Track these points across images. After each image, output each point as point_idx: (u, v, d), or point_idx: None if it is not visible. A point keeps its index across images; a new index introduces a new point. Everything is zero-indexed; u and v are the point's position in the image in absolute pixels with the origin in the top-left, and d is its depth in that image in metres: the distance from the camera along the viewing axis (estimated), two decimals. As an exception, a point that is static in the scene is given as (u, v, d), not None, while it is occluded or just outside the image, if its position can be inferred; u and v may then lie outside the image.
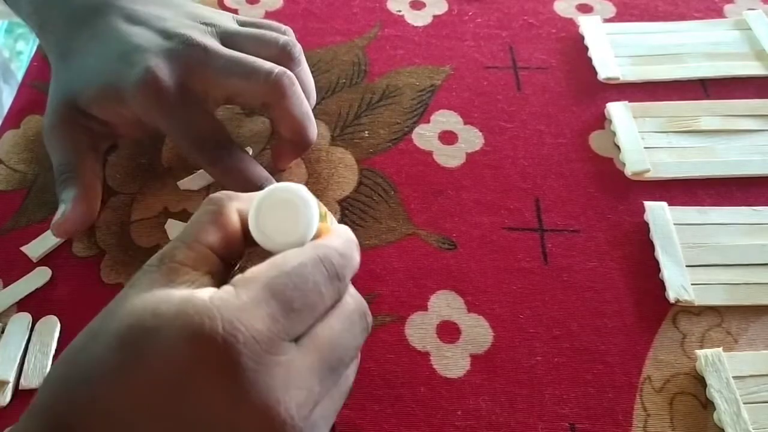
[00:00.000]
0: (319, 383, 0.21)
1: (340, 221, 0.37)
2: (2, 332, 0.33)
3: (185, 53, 0.34)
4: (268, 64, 0.35)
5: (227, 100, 0.37)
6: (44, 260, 0.36)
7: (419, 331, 0.33)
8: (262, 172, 0.36)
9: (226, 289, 0.22)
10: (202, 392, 0.20)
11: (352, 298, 0.25)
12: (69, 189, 0.35)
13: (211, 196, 0.25)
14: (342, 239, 0.25)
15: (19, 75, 0.48)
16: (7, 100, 0.62)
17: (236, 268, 0.26)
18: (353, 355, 0.24)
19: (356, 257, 0.25)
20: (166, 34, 0.35)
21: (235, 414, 0.20)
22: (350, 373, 0.25)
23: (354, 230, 0.27)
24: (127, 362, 0.20)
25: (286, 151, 0.38)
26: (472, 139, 0.41)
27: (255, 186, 0.34)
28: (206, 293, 0.21)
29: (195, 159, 0.36)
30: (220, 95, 0.36)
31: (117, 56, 0.35)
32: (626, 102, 0.42)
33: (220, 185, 0.39)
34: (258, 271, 0.22)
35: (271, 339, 0.20)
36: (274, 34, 0.37)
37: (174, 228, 0.37)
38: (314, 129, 0.37)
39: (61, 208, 0.35)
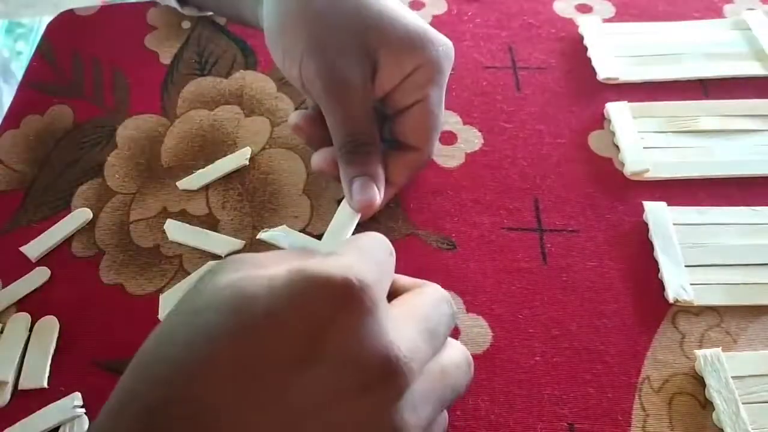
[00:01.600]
0: (424, 342, 0.23)
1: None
2: (1, 332, 0.34)
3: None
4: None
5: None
6: (43, 260, 0.36)
7: (418, 331, 0.33)
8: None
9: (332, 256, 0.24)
10: (336, 333, 0.21)
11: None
12: (371, 165, 0.34)
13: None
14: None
15: (19, 75, 0.48)
16: (7, 100, 0.62)
17: None
18: (443, 332, 0.26)
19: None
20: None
21: (362, 350, 0.21)
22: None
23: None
24: (245, 326, 0.21)
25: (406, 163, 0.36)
26: (471, 139, 0.41)
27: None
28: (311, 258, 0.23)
29: (424, 143, 0.35)
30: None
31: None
32: (625, 102, 0.42)
33: (219, 183, 0.39)
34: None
35: (385, 291, 0.23)
36: None
37: (173, 228, 0.37)
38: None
39: (366, 188, 0.33)
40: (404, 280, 0.28)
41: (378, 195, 0.33)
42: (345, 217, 0.34)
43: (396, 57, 0.34)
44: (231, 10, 0.44)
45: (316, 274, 0.21)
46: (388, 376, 0.21)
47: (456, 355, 0.26)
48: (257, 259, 0.23)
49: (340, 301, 0.21)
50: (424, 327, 0.24)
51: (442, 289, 0.27)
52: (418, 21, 0.35)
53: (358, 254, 0.23)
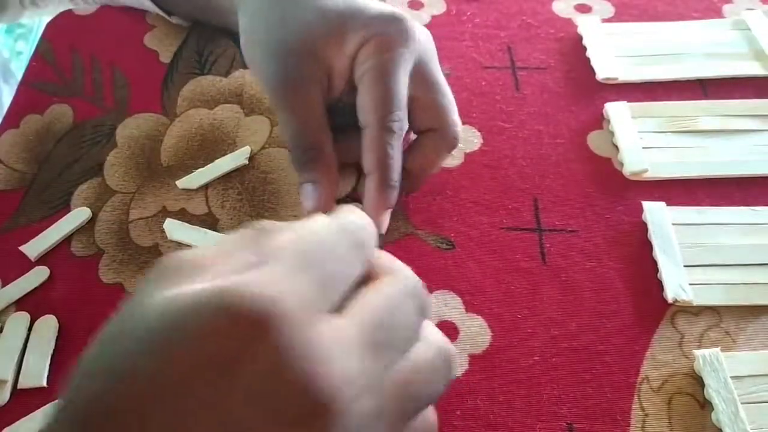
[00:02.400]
0: (368, 358, 0.20)
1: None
2: (1, 331, 0.34)
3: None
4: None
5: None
6: (43, 259, 0.36)
7: (417, 330, 0.33)
8: (398, 178, 0.33)
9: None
10: (253, 366, 0.19)
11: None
12: (318, 170, 0.33)
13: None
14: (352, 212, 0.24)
15: (19, 75, 0.48)
16: (7, 100, 0.62)
17: None
18: (404, 336, 0.22)
19: (374, 229, 0.24)
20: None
21: (279, 385, 0.19)
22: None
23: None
24: (164, 348, 0.19)
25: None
26: (470, 139, 0.41)
27: (392, 177, 0.32)
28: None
29: (375, 111, 0.32)
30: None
31: (361, 3, 0.34)
32: (625, 102, 0.42)
33: (219, 183, 0.39)
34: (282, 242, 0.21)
35: (311, 304, 0.20)
36: None
37: (173, 227, 0.37)
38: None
39: (312, 194, 0.33)
40: (378, 262, 0.24)
41: (322, 199, 0.33)
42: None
43: (338, 43, 0.34)
44: (218, 21, 0.45)
45: (229, 303, 0.19)
46: (314, 410, 0.19)
47: (428, 355, 0.23)
48: (198, 261, 0.21)
49: (253, 334, 0.19)
50: (370, 338, 0.21)
51: (408, 279, 0.24)
52: (370, 4, 0.34)
53: (294, 263, 0.20)
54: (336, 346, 0.19)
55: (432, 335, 0.24)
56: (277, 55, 0.34)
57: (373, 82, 0.33)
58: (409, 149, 0.35)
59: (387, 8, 0.34)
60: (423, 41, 0.35)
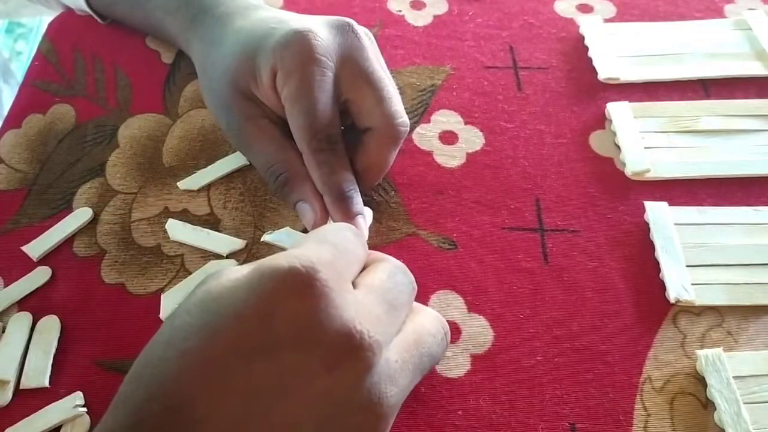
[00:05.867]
0: (385, 318, 0.25)
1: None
2: (3, 332, 0.34)
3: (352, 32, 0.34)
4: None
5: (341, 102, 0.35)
6: (45, 260, 0.36)
7: (420, 330, 0.33)
8: (351, 178, 0.34)
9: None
10: (288, 314, 0.22)
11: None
12: (296, 190, 0.34)
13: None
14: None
15: (19, 75, 0.48)
16: (7, 100, 0.62)
17: None
18: (406, 301, 0.27)
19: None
20: (327, 19, 0.35)
21: (321, 331, 0.22)
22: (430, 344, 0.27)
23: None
24: (208, 316, 0.23)
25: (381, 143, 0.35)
26: (472, 139, 0.41)
27: (340, 190, 0.33)
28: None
29: (302, 137, 0.33)
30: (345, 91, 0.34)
31: (268, 28, 0.35)
32: (626, 102, 0.42)
33: (221, 183, 0.39)
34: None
35: (341, 273, 0.24)
36: None
37: (175, 227, 0.37)
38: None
39: (307, 210, 0.34)
40: (370, 257, 0.29)
41: (315, 212, 0.33)
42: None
43: (256, 79, 0.35)
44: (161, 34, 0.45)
45: (265, 267, 0.23)
46: (353, 351, 0.22)
47: (429, 323, 0.27)
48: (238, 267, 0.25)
49: (288, 287, 0.22)
50: (383, 299, 0.25)
51: (397, 262, 0.28)
52: (278, 25, 0.35)
53: (314, 242, 0.25)
54: (362, 307, 0.24)
55: (427, 309, 0.29)
56: (219, 105, 0.37)
57: (290, 113, 0.33)
58: (354, 150, 0.35)
59: (291, 25, 0.34)
60: (346, 42, 0.34)
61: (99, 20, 0.48)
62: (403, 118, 0.35)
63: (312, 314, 0.22)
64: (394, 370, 0.24)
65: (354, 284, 0.26)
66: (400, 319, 0.26)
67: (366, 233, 0.33)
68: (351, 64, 0.34)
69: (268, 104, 0.35)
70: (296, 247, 0.25)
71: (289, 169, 0.34)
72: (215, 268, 0.35)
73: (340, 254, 0.25)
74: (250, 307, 0.22)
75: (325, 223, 0.34)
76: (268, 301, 0.22)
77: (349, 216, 0.33)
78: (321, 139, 0.33)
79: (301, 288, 0.22)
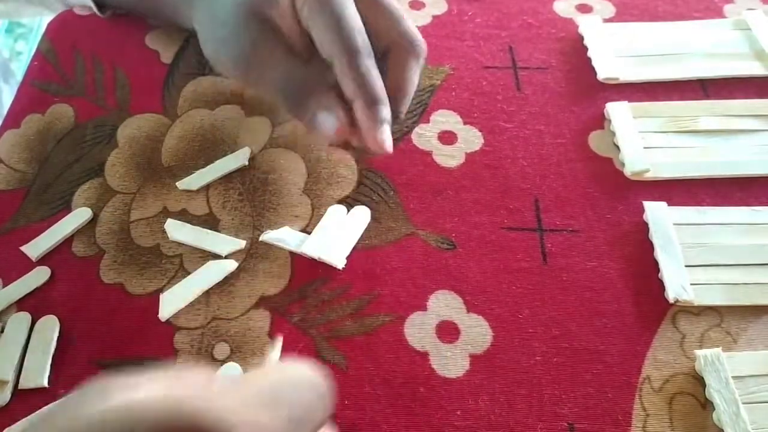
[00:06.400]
0: None
1: (340, 221, 0.37)
2: (2, 332, 0.34)
3: None
4: None
5: None
6: (44, 260, 0.36)
7: (418, 331, 0.33)
8: (383, 86, 0.34)
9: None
10: None
11: None
12: (318, 100, 0.33)
13: None
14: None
15: (19, 75, 0.48)
16: (7, 100, 0.62)
17: None
18: None
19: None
20: None
21: None
22: None
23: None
24: None
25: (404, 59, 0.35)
26: (471, 139, 0.41)
27: (375, 94, 0.33)
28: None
29: (335, 42, 0.33)
30: None
31: None
32: (626, 102, 0.42)
33: (220, 183, 0.39)
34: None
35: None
36: None
37: (174, 227, 0.37)
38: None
39: (331, 121, 0.33)
40: None
41: (339, 120, 0.33)
42: (336, 215, 0.34)
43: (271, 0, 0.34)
44: (167, 16, 0.45)
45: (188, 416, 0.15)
46: None
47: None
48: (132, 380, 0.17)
49: None
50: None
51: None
52: None
53: (268, 403, 0.17)
54: None
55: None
56: (229, 38, 0.35)
57: (319, 14, 0.33)
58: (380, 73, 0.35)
59: None
60: None
61: (98, 13, 0.48)
62: (420, 37, 0.35)
63: None
64: None
65: None
66: None
67: (390, 143, 0.33)
68: None
69: (283, 24, 0.35)
70: (249, 396, 0.17)
71: (308, 81, 0.34)
72: (214, 268, 0.35)
73: (292, 420, 0.17)
74: None
75: (346, 136, 0.33)
76: None
77: (379, 121, 0.32)
78: (354, 39, 0.32)
79: None
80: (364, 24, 0.34)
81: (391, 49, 0.35)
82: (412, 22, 0.36)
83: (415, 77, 0.36)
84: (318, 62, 0.35)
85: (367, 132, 0.33)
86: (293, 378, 0.18)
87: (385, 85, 0.34)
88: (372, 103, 0.32)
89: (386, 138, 0.33)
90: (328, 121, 0.33)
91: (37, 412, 0.30)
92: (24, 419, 0.30)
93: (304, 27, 0.35)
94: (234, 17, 0.35)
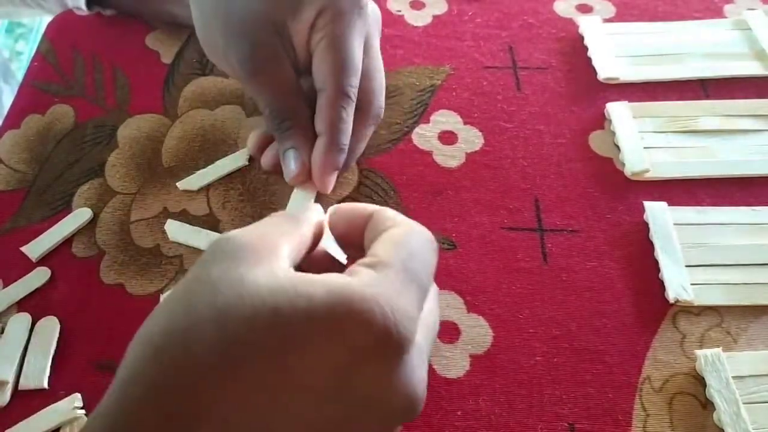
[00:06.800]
0: (419, 308, 0.23)
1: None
2: (2, 332, 0.34)
3: None
4: None
5: None
6: (44, 260, 0.36)
7: (419, 331, 0.33)
8: (348, 141, 0.35)
9: (368, 273, 0.22)
10: (369, 375, 0.21)
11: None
12: (295, 137, 0.34)
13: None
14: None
15: (19, 75, 0.48)
16: (7, 100, 0.62)
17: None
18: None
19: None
20: None
21: (391, 394, 0.21)
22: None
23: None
24: (283, 344, 0.20)
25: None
26: (471, 139, 0.41)
27: (342, 139, 0.34)
28: (350, 279, 0.22)
29: (334, 75, 0.34)
30: None
31: None
32: (626, 102, 0.42)
33: (220, 183, 0.39)
34: (386, 252, 0.23)
35: (416, 324, 0.22)
36: None
37: (174, 228, 0.37)
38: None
39: (294, 159, 0.34)
40: (390, 220, 0.25)
41: (305, 163, 0.34)
42: (301, 197, 0.35)
43: (296, 14, 0.34)
44: (159, 8, 0.45)
45: (357, 311, 0.20)
46: (413, 411, 0.23)
47: (435, 290, 0.26)
48: (253, 247, 0.22)
49: (377, 351, 0.21)
50: (417, 287, 0.23)
51: (424, 229, 0.25)
52: None
53: (403, 281, 0.22)
54: (420, 356, 0.23)
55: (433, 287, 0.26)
56: (242, 33, 0.35)
57: (329, 48, 0.34)
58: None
59: None
60: (371, 17, 0.36)
61: (86, 10, 0.48)
62: (383, 109, 0.36)
63: (388, 379, 0.21)
64: (420, 355, 0.23)
65: (387, 260, 0.23)
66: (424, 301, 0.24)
67: (331, 188, 0.35)
68: (369, 38, 0.36)
69: (296, 42, 0.35)
70: (383, 280, 0.22)
71: (299, 115, 0.34)
72: None
73: (423, 296, 0.23)
74: (329, 351, 0.20)
75: (304, 177, 0.34)
76: (352, 353, 0.20)
77: (333, 166, 0.33)
78: (350, 85, 0.34)
79: (389, 355, 0.21)
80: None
81: (360, 106, 0.35)
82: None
83: (367, 138, 0.37)
84: (305, 81, 0.35)
85: (318, 167, 0.34)
86: (419, 246, 0.24)
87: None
88: (336, 147, 0.33)
89: (331, 182, 0.34)
90: (294, 162, 0.34)
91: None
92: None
93: (310, 47, 0.35)
94: (253, 15, 0.35)
